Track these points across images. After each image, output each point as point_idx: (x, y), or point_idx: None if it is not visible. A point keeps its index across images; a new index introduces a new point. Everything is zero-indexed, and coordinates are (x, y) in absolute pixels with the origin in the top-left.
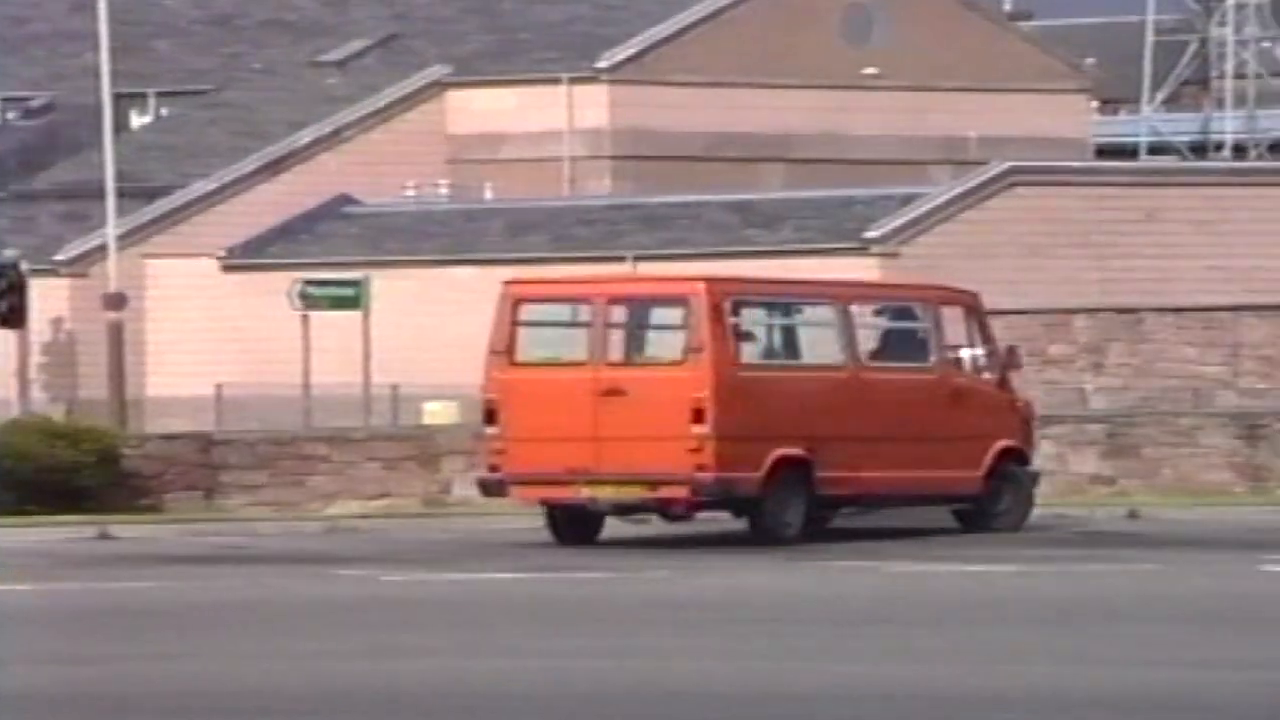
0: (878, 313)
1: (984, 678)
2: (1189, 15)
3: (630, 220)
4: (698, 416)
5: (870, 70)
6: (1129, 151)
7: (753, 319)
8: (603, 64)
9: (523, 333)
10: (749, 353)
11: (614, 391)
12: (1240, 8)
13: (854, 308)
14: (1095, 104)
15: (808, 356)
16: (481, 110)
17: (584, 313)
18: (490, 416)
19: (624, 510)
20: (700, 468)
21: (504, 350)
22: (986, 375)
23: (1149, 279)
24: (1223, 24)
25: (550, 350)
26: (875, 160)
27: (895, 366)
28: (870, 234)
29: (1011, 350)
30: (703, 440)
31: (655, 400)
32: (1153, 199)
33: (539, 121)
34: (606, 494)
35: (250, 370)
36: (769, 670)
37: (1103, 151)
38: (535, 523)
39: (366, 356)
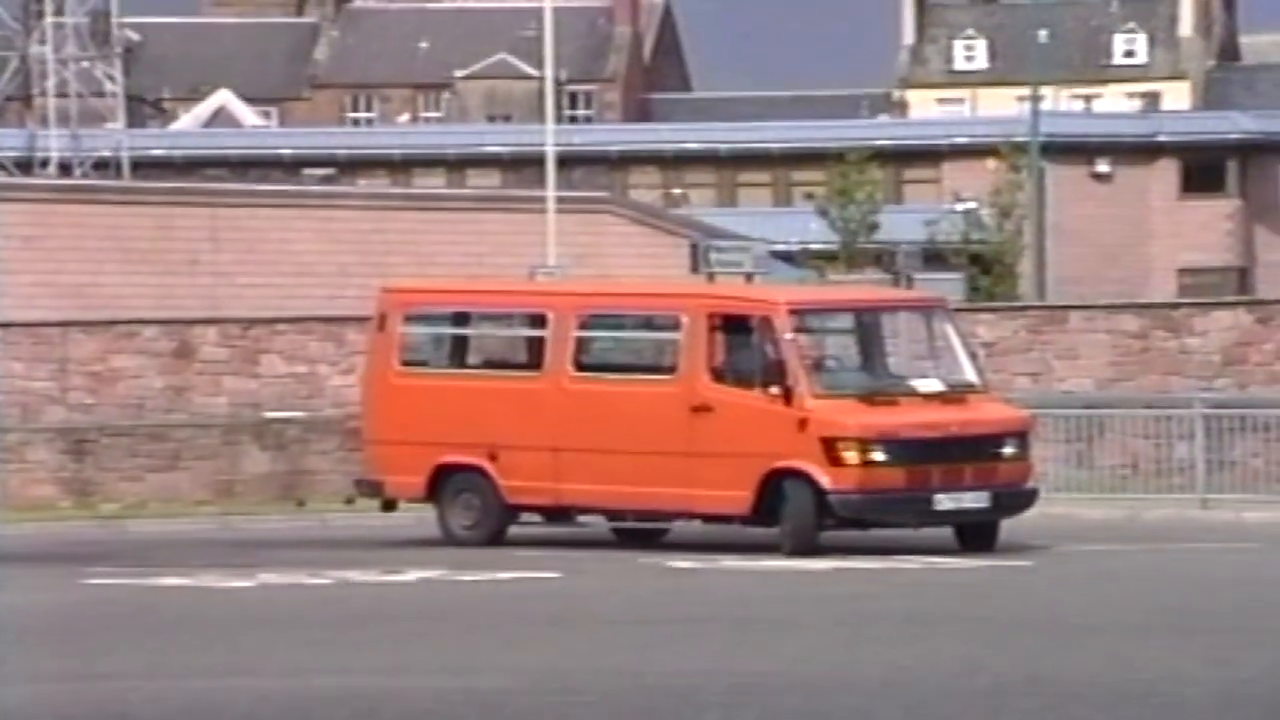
0: (624, 323)
1: None
2: (9, 32)
3: None
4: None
5: None
6: None
7: (433, 328)
8: None
9: None
10: (414, 360)
11: None
12: (59, 27)
13: (584, 315)
14: None
15: (494, 366)
16: None
17: None
18: None
19: None
20: (364, 470)
21: None
22: (774, 390)
23: None
24: (43, 43)
25: None
26: None
27: (614, 378)
28: None
29: (780, 364)
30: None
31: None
32: None
33: None
34: None
35: None
36: None
37: None
38: None
39: None
